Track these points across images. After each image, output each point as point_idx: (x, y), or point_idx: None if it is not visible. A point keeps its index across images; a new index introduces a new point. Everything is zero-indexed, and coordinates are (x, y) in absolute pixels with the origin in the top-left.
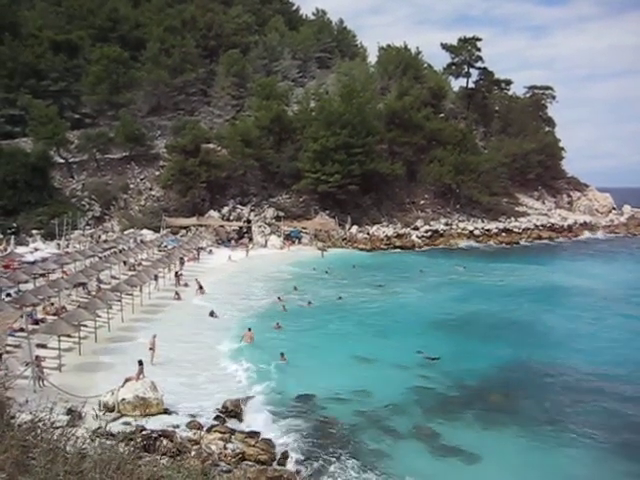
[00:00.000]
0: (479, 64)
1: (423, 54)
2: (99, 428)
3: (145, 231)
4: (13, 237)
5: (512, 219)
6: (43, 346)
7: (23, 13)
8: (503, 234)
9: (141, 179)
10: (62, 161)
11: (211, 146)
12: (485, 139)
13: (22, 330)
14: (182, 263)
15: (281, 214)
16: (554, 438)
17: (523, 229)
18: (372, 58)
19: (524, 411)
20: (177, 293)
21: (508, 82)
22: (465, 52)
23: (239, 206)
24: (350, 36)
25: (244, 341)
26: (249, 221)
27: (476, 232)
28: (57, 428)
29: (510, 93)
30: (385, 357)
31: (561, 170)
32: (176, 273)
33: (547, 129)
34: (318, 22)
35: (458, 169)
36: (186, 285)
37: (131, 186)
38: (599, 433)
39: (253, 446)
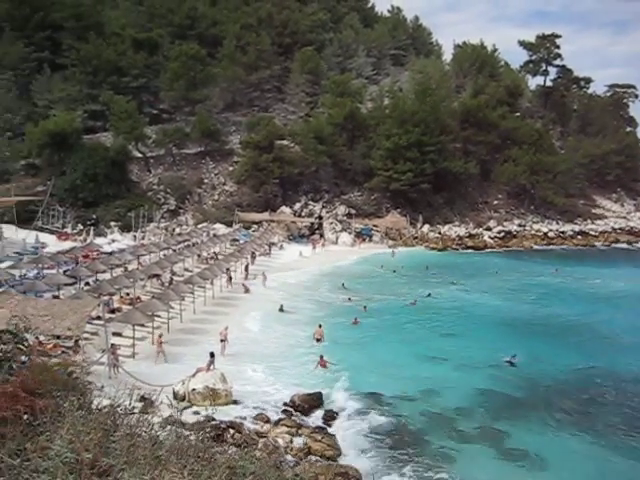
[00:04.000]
0: (558, 62)
1: (499, 51)
2: (171, 416)
3: (218, 225)
4: (92, 228)
5: (588, 221)
6: (118, 334)
7: (107, 13)
8: (579, 237)
9: (215, 174)
10: (140, 155)
11: (284, 142)
12: (562, 139)
13: (99, 318)
14: (253, 257)
15: (352, 211)
16: (629, 449)
17: (600, 232)
18: (447, 56)
19: (600, 419)
20: (245, 286)
21: (588, 80)
22: (543, 49)
23: (311, 202)
24: (425, 33)
25: (314, 337)
26: (320, 217)
27: (550, 234)
28: (134, 414)
29: (590, 91)
30: (458, 357)
31: None
32: (246, 267)
33: (628, 129)
34: (393, 19)
35: (533, 169)
36: (255, 278)
37: (205, 181)
38: None
39: (319, 441)
